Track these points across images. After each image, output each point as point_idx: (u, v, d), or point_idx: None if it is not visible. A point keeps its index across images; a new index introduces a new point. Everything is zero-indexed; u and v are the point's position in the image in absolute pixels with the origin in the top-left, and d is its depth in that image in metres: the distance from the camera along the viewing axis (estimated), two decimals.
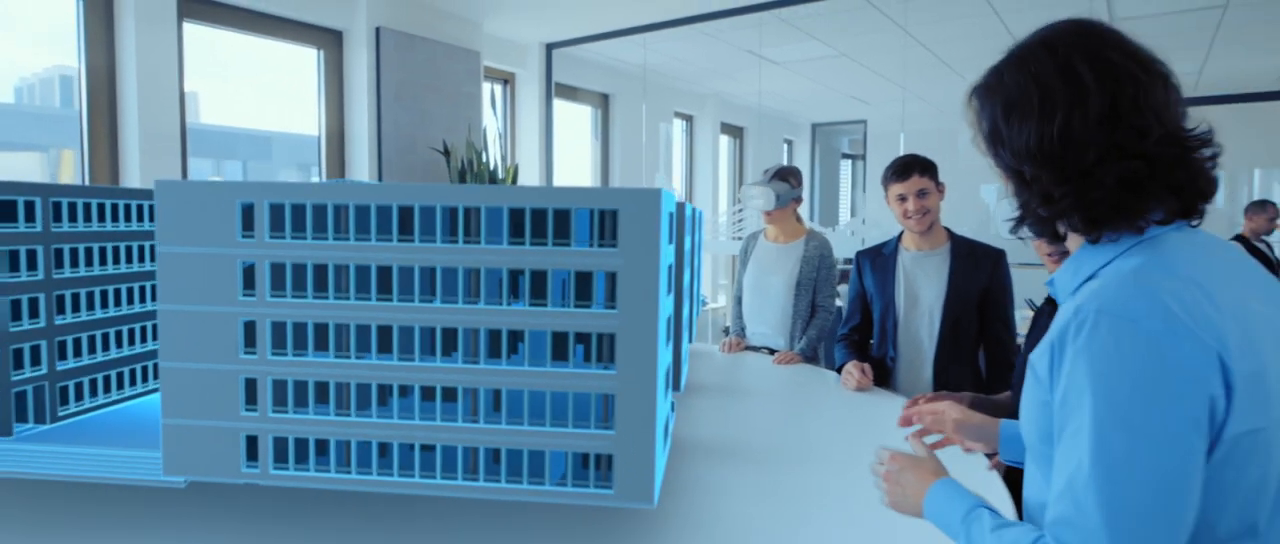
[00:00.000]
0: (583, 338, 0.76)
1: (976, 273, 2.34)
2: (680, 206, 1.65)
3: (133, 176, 3.05)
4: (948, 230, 2.45)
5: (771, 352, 2.80)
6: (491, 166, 4.07)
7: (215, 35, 3.44)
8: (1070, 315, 0.77)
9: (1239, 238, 4.67)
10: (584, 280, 0.75)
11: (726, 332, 2.96)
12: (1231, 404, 0.70)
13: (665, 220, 0.76)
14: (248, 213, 0.79)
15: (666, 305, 0.83)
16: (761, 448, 1.52)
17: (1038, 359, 0.81)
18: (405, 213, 0.77)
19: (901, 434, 1.23)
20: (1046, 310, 1.76)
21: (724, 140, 6.80)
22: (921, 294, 2.38)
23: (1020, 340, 2.30)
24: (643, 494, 0.76)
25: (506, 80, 4.97)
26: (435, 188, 0.78)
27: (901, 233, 2.46)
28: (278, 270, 0.80)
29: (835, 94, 6.63)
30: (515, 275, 0.77)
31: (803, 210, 3.15)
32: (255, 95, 3.51)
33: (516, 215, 0.76)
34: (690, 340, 1.66)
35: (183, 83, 3.18)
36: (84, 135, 3.01)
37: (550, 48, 4.86)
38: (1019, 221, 0.90)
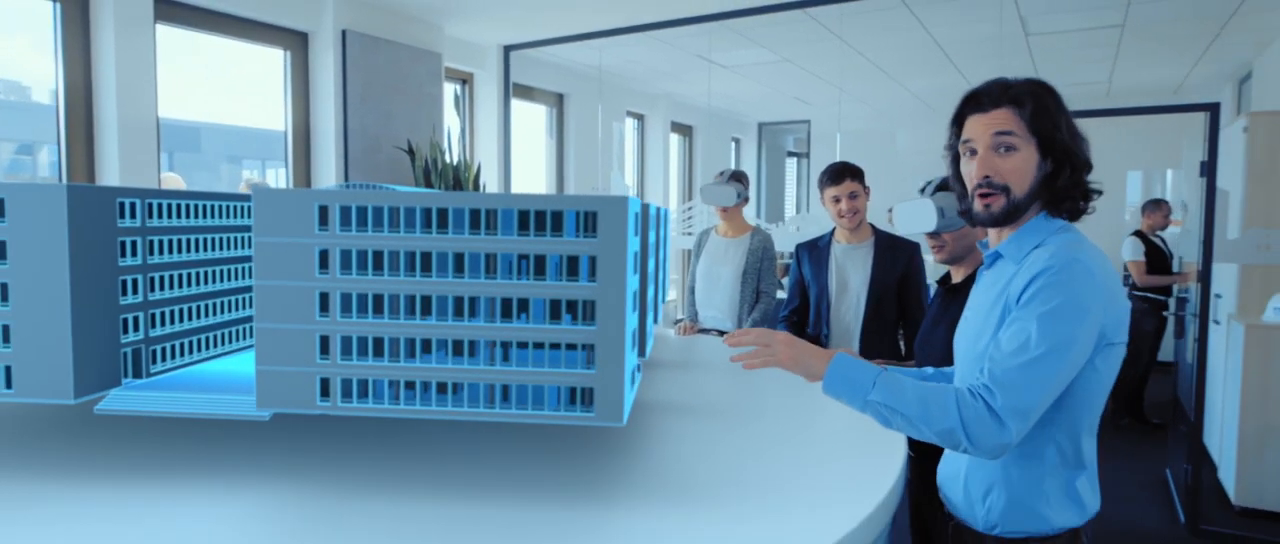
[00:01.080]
0: (571, 304, 1.08)
1: (895, 262, 2.77)
2: (646, 207, 1.97)
3: (111, 173, 3.23)
4: (872, 226, 2.87)
5: (721, 333, 3.18)
6: (455, 165, 4.33)
7: (171, 33, 3.62)
8: (1048, 262, 1.17)
9: (1137, 233, 5.21)
10: (573, 262, 1.07)
11: (677, 323, 3.37)
12: (1111, 326, 1.17)
13: (631, 218, 1.08)
14: (323, 212, 1.08)
15: (633, 282, 1.15)
16: (714, 404, 1.87)
17: (1012, 291, 1.21)
18: (442, 213, 1.07)
19: (830, 410, 1.58)
20: (944, 290, 2.14)
21: (674, 139, 7.14)
22: (850, 281, 2.81)
23: None
24: (615, 416, 1.08)
25: (465, 80, 5.22)
26: (469, 195, 1.08)
27: (835, 228, 2.87)
28: (345, 255, 1.10)
29: (780, 96, 7.04)
30: (522, 258, 1.08)
31: (748, 207, 3.57)
32: (182, 86, 3.66)
33: (524, 214, 1.07)
34: (655, 321, 1.99)
35: (157, 84, 3.37)
36: (62, 133, 3.18)
37: (508, 50, 5.12)
38: (1058, 200, 1.28)
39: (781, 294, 3.52)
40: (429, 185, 4.27)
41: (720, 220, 3.37)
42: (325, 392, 1.10)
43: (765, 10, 4.29)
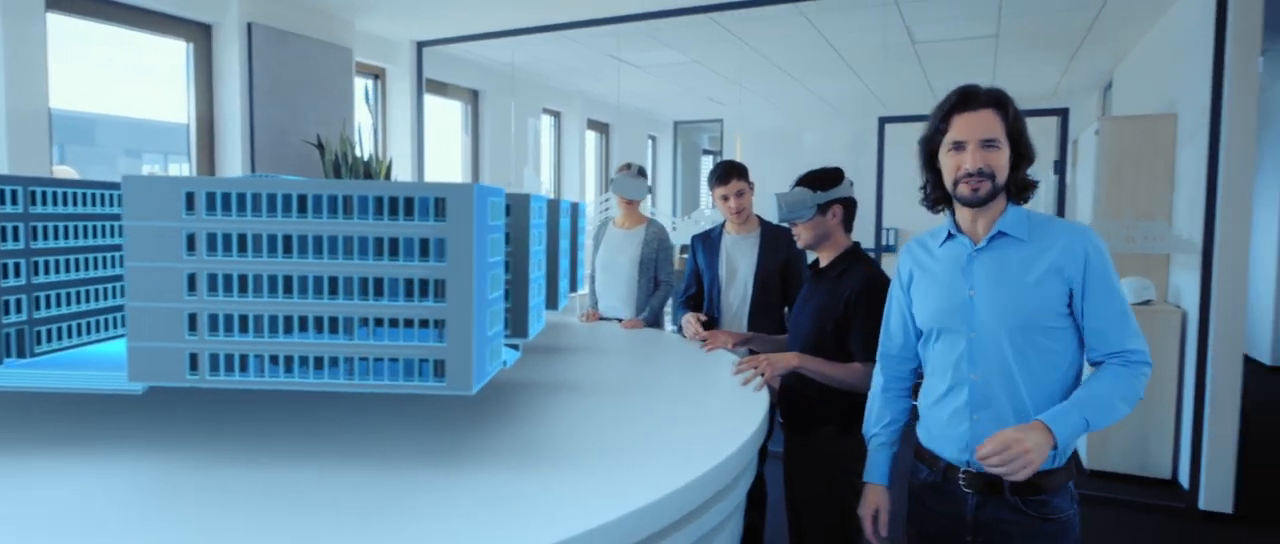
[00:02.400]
0: (424, 283, 1.19)
1: (778, 251, 2.98)
2: (555, 202, 2.10)
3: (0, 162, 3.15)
4: (759, 218, 3.06)
5: (620, 321, 3.32)
6: (366, 160, 4.34)
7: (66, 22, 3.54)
8: (1083, 236, 1.48)
9: None
10: (425, 244, 1.18)
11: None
12: None
13: (479, 204, 1.20)
14: (190, 198, 1.16)
15: (488, 263, 1.27)
16: (598, 383, 2.01)
17: (1068, 265, 1.47)
18: (302, 198, 1.16)
19: (716, 371, 1.73)
20: (813, 274, 2.34)
21: (591, 136, 7.25)
22: (738, 269, 3.01)
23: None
24: (465, 386, 1.20)
25: (378, 75, 5.21)
26: (329, 182, 1.18)
27: (725, 220, 3.06)
28: (211, 238, 1.18)
29: (693, 95, 7.24)
30: (379, 241, 1.19)
31: (667, 201, 3.73)
32: (75, 76, 3.59)
33: (379, 200, 1.18)
34: (559, 306, 2.11)
35: (48, 74, 3.29)
36: None
37: (421, 46, 5.14)
38: (1021, 187, 1.53)
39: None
40: (339, 178, 4.28)
41: (620, 212, 3.51)
42: (194, 366, 1.18)
43: (667, 14, 4.45)
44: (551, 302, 2.08)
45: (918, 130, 5.42)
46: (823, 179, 2.21)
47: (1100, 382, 1.47)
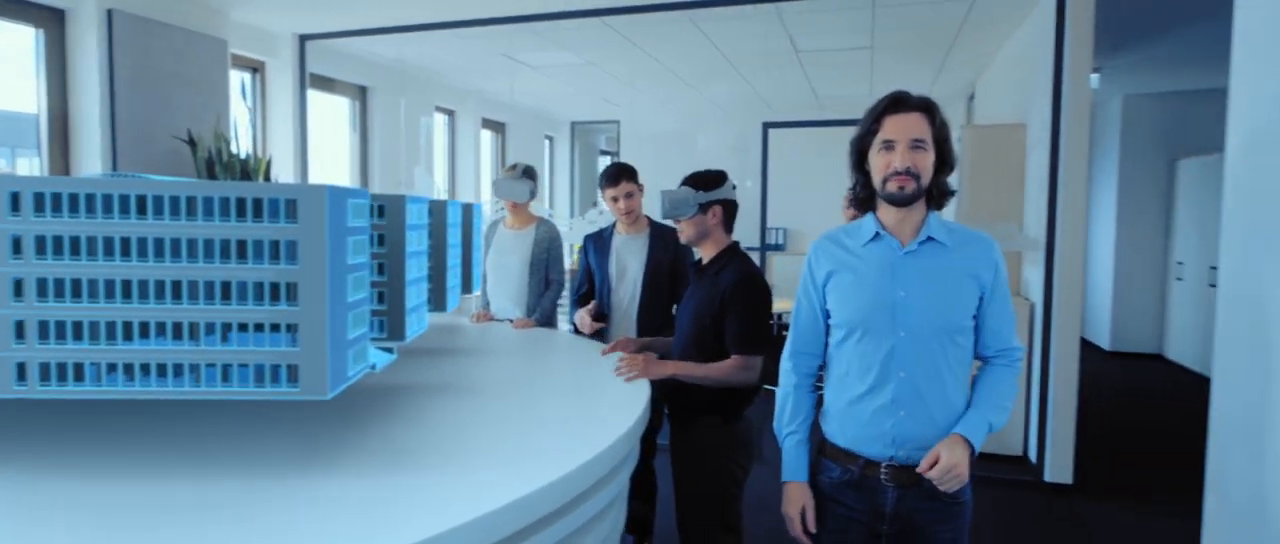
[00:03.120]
0: (274, 286, 1.16)
1: (666, 250, 3.04)
2: (443, 203, 2.07)
3: None
4: (649, 219, 3.12)
5: (512, 321, 3.31)
6: (243, 157, 4.13)
7: None
8: (991, 245, 1.59)
9: None
10: (276, 247, 1.15)
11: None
12: None
13: (333, 207, 1.18)
14: (15, 199, 1.09)
15: (340, 264, 1.25)
16: (480, 384, 2.00)
17: (982, 271, 1.57)
18: (141, 199, 1.11)
19: (603, 368, 1.75)
20: (696, 271, 2.41)
21: (486, 135, 7.15)
22: (628, 268, 3.06)
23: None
24: (319, 390, 1.18)
25: (257, 69, 4.97)
26: (173, 183, 1.13)
27: (616, 220, 3.11)
28: (40, 241, 1.11)
29: (590, 96, 7.26)
30: (226, 244, 1.15)
31: (560, 201, 3.73)
32: None
33: (225, 201, 1.14)
34: (445, 310, 2.09)
35: None
36: None
37: (303, 39, 4.94)
38: (941, 194, 1.59)
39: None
40: (213, 177, 4.05)
41: (508, 214, 3.50)
42: (22, 376, 1.11)
43: (556, 16, 4.45)
44: (438, 303, 2.06)
45: (799, 135, 5.70)
46: (706, 180, 2.30)
47: (996, 387, 1.60)
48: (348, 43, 5.18)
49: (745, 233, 5.14)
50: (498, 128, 7.30)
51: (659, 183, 3.44)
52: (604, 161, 9.26)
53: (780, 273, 7.96)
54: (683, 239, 2.36)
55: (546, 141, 8.31)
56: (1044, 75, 3.84)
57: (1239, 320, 1.79)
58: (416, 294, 1.87)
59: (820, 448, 1.70)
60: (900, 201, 1.54)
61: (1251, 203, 1.77)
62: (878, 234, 1.60)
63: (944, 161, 1.57)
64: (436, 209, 1.99)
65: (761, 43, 5.08)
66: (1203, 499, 1.97)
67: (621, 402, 1.83)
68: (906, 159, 1.51)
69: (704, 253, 2.37)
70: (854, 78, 6.28)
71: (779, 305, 6.46)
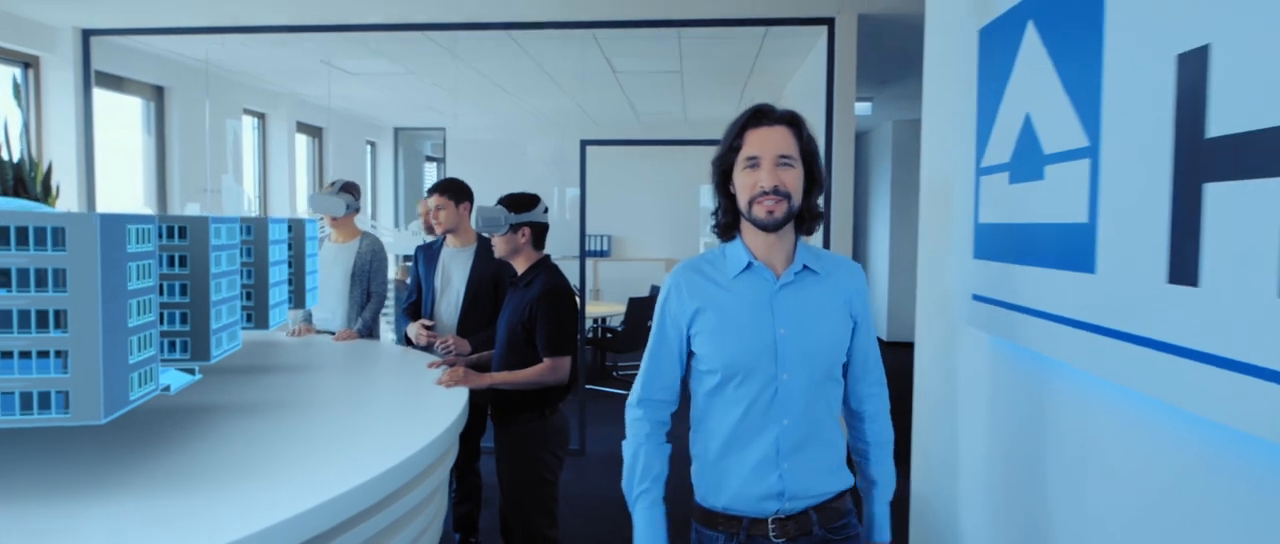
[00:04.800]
0: (43, 313, 1.13)
1: (490, 264, 3.12)
2: (263, 221, 2.02)
3: None
4: (477, 232, 3.18)
5: (333, 333, 3.26)
6: (15, 162, 3.69)
7: None
8: (856, 270, 1.50)
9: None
10: (42, 275, 1.12)
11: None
12: None
13: (107, 234, 1.16)
14: None
15: (118, 290, 1.23)
16: (292, 399, 1.98)
17: (854, 301, 1.47)
18: None
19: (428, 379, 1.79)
20: (512, 284, 2.52)
21: (302, 140, 6.80)
22: (452, 280, 3.11)
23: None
24: (93, 415, 1.16)
25: (30, 64, 4.46)
26: None
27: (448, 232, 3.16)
28: None
29: (413, 103, 7.11)
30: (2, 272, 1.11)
31: (380, 213, 3.68)
32: None
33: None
34: (267, 328, 2.05)
35: None
36: None
37: (87, 34, 4.49)
38: (812, 216, 1.45)
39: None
40: None
41: (330, 228, 3.45)
42: None
43: (371, 28, 4.37)
44: (261, 321, 2.03)
45: (616, 153, 5.96)
46: (518, 202, 2.48)
47: (885, 457, 1.55)
48: (142, 40, 4.76)
49: (569, 242, 5.30)
50: (314, 132, 6.96)
51: (486, 190, 3.50)
52: (431, 169, 9.07)
53: (606, 278, 8.21)
54: (497, 254, 2.53)
55: (368, 147, 8.02)
56: (820, 103, 4.31)
57: (929, 304, 2.14)
58: (226, 314, 1.83)
59: (702, 516, 1.47)
60: (771, 226, 1.36)
61: (939, 212, 2.13)
62: (750, 264, 1.42)
63: (813, 180, 1.42)
64: (258, 227, 1.95)
65: (580, 63, 5.26)
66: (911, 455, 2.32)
67: (433, 411, 1.89)
68: (773, 177, 1.34)
69: (517, 266, 2.53)
70: (668, 97, 6.62)
71: (603, 309, 6.68)
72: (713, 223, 1.49)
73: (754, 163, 1.36)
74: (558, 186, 7.70)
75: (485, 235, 2.55)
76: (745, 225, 1.43)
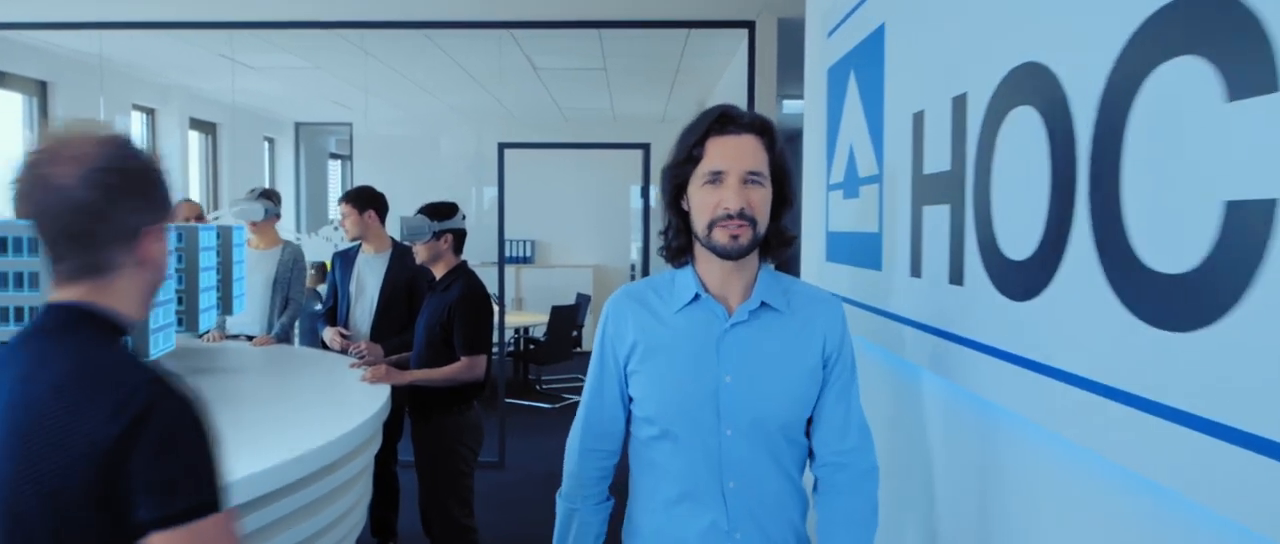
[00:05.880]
0: None
1: (405, 270, 3.64)
2: (195, 229, 2.51)
3: None
4: (392, 239, 3.70)
5: (250, 338, 3.74)
6: None
7: None
8: (836, 308, 1.41)
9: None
10: None
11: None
12: None
13: None
14: None
15: None
16: (226, 396, 2.48)
17: (828, 346, 1.38)
18: None
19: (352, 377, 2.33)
20: (431, 288, 3.07)
21: (194, 137, 7.14)
22: (366, 286, 3.62)
23: None
24: None
25: None
26: None
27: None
28: None
29: (318, 98, 7.52)
30: None
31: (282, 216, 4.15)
32: None
33: None
34: (198, 331, 2.50)
35: None
36: None
37: None
38: (781, 242, 1.39)
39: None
40: None
41: (250, 234, 3.91)
42: None
43: (277, 25, 4.83)
44: (191, 324, 2.51)
45: (535, 156, 6.60)
46: (440, 211, 3.02)
47: (852, 517, 1.42)
48: (25, 33, 5.11)
49: (487, 247, 5.76)
50: (208, 129, 7.30)
51: (397, 189, 4.01)
52: (335, 167, 9.45)
53: (529, 286, 8.71)
54: (418, 260, 3.07)
55: (266, 144, 8.37)
56: (741, 102, 4.95)
57: None
58: (162, 316, 2.34)
59: None
60: (733, 254, 1.30)
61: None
62: (697, 296, 1.36)
63: (783, 199, 1.35)
64: (189, 233, 2.46)
65: (498, 60, 5.80)
66: None
67: (365, 397, 2.43)
68: (740, 197, 1.27)
69: (437, 271, 3.07)
70: (594, 95, 7.22)
71: (525, 319, 7.20)
72: (661, 244, 1.43)
73: (716, 178, 1.29)
74: (475, 186, 8.19)
75: (407, 243, 3.08)
76: (700, 251, 1.36)
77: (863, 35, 2.03)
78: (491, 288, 3.67)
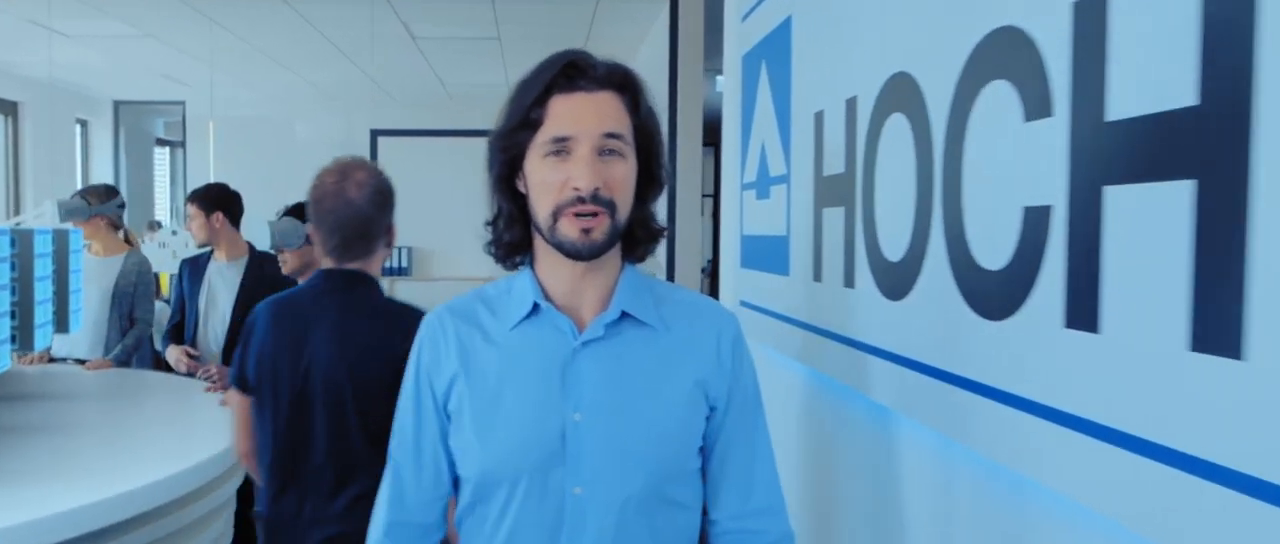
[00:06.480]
0: None
1: (263, 282, 3.84)
2: (29, 233, 2.67)
3: None
4: (249, 245, 3.89)
5: (81, 362, 3.84)
6: None
7: None
8: (727, 323, 1.35)
9: None
10: None
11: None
12: None
13: None
14: None
15: None
16: (56, 426, 2.65)
17: (712, 371, 1.31)
18: None
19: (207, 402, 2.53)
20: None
21: None
22: (218, 299, 3.80)
23: None
24: None
25: None
26: None
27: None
28: None
29: (144, 72, 7.59)
30: None
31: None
32: None
33: None
34: (34, 349, 2.67)
35: None
36: None
37: None
38: (649, 234, 1.33)
39: None
40: None
41: (87, 238, 4.04)
42: None
43: None
44: (25, 343, 2.65)
45: (414, 144, 6.96)
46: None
47: None
48: None
49: None
50: (8, 109, 7.30)
51: (245, 183, 4.16)
52: (162, 154, 9.47)
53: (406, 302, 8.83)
54: (287, 270, 3.25)
55: (78, 126, 8.37)
56: (662, 78, 5.22)
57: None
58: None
59: None
60: (586, 253, 1.20)
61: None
62: (537, 307, 1.27)
63: (651, 177, 1.29)
64: (22, 238, 2.64)
65: (369, 27, 6.02)
66: None
67: (225, 423, 2.65)
68: (593, 173, 1.18)
69: (306, 282, 3.29)
70: (485, 67, 7.50)
71: None
72: (489, 240, 1.34)
73: (562, 148, 1.19)
74: None
75: (276, 251, 3.26)
76: (542, 247, 1.28)
77: (773, 25, 2.39)
78: None
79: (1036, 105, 1.12)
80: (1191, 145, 0.85)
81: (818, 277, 2.01)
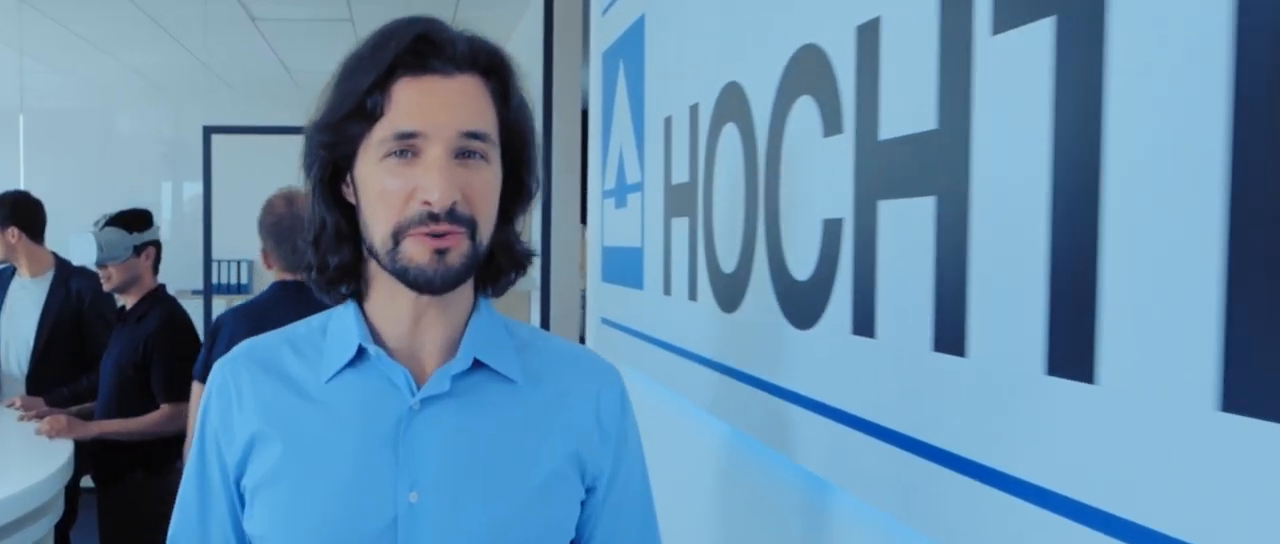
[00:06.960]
0: None
1: (72, 299, 3.92)
2: None
3: None
4: (56, 256, 3.95)
5: None
6: None
7: None
8: (607, 381, 1.27)
9: None
10: None
11: None
12: None
13: None
14: None
15: None
16: None
17: (588, 442, 1.22)
18: None
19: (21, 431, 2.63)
20: (120, 320, 3.39)
21: None
22: (20, 321, 3.87)
23: None
24: None
25: None
26: None
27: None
28: None
29: None
30: None
31: None
32: None
33: None
34: None
35: None
36: None
37: None
38: (514, 261, 1.24)
39: None
40: None
41: None
42: None
43: None
44: None
45: (255, 142, 7.04)
46: (136, 220, 3.33)
47: None
48: None
49: (187, 270, 5.94)
50: None
51: (53, 187, 4.21)
52: None
53: None
54: (110, 286, 3.36)
55: None
56: (537, 68, 5.32)
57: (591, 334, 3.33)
58: None
59: None
60: (439, 283, 1.10)
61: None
62: (363, 351, 1.17)
63: (520, 186, 1.23)
64: None
65: (199, 6, 6.07)
66: None
67: (41, 455, 2.76)
68: (450, 184, 1.07)
69: (128, 300, 3.39)
70: (337, 52, 7.47)
71: None
72: (309, 263, 1.21)
73: (408, 148, 1.09)
74: (170, 182, 8.33)
75: (98, 267, 3.35)
76: (377, 274, 1.19)
77: (628, 23, 2.62)
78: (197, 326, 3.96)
79: (832, 121, 1.37)
80: (932, 164, 1.10)
81: (667, 290, 2.24)
